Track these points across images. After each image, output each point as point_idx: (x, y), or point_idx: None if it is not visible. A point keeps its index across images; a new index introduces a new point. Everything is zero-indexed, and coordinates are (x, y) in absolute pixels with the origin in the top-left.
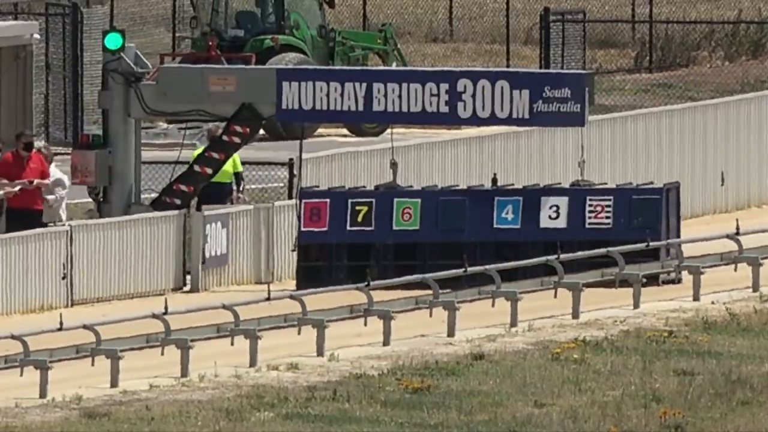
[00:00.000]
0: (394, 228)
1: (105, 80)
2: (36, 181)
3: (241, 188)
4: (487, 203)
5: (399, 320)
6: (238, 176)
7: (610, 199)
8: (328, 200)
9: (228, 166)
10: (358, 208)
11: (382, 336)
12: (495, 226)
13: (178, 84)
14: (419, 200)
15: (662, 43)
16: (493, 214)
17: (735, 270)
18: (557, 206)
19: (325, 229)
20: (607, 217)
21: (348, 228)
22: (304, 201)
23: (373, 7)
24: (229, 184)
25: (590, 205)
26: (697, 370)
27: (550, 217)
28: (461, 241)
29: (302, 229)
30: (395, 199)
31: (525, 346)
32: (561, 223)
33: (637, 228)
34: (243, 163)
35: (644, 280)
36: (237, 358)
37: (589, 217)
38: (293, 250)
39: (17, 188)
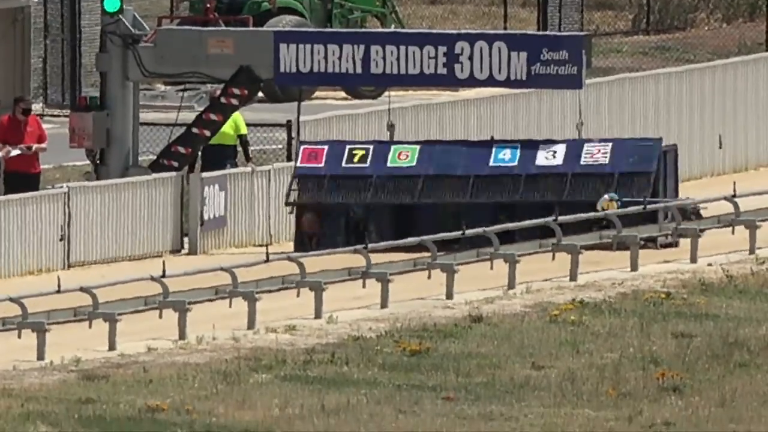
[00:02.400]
0: (389, 165)
1: (103, 43)
2: (34, 146)
3: (249, 154)
4: (485, 148)
5: (397, 282)
6: (242, 139)
7: (608, 145)
8: (326, 147)
9: (230, 129)
10: (355, 151)
11: (380, 298)
12: (491, 164)
13: (176, 46)
14: (417, 146)
15: (660, 5)
16: (491, 155)
17: (732, 233)
18: (555, 151)
19: (321, 165)
20: (604, 156)
21: (344, 164)
22: (302, 146)
23: None
24: (231, 147)
25: (587, 151)
26: (694, 333)
27: (546, 158)
28: (457, 175)
29: (298, 165)
30: (393, 146)
31: (523, 308)
32: (558, 161)
33: (633, 163)
34: None
35: (642, 242)
36: (235, 320)
37: (585, 158)
38: (290, 212)
39: (15, 153)
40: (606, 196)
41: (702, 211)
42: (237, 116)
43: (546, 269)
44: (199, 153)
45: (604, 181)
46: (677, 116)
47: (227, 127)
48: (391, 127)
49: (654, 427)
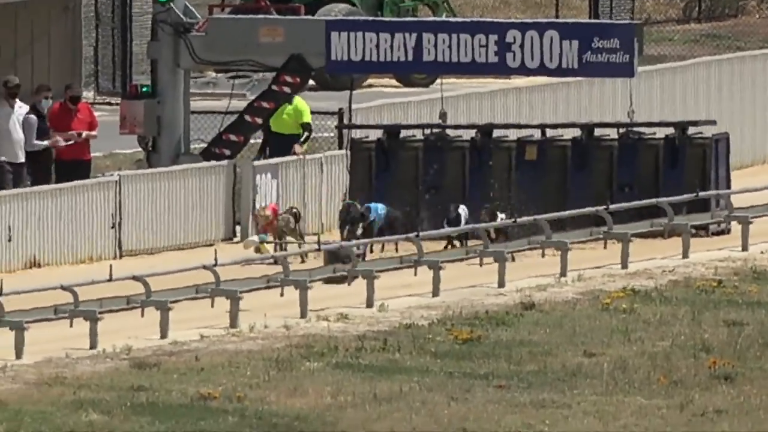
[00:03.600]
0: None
1: (154, 31)
2: (85, 133)
3: (302, 140)
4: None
5: (449, 270)
6: (305, 127)
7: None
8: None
9: (289, 117)
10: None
11: (432, 286)
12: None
13: (228, 35)
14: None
15: None
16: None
17: None
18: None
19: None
20: None
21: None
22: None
23: None
24: (291, 136)
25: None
26: (746, 320)
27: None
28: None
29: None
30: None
31: (574, 295)
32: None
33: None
34: None
35: (693, 230)
36: (287, 309)
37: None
38: (343, 200)
39: (69, 141)
40: (256, 238)
41: (754, 199)
42: (299, 104)
43: (597, 257)
44: (267, 141)
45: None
46: (728, 104)
47: (286, 116)
48: (443, 115)
49: (705, 415)
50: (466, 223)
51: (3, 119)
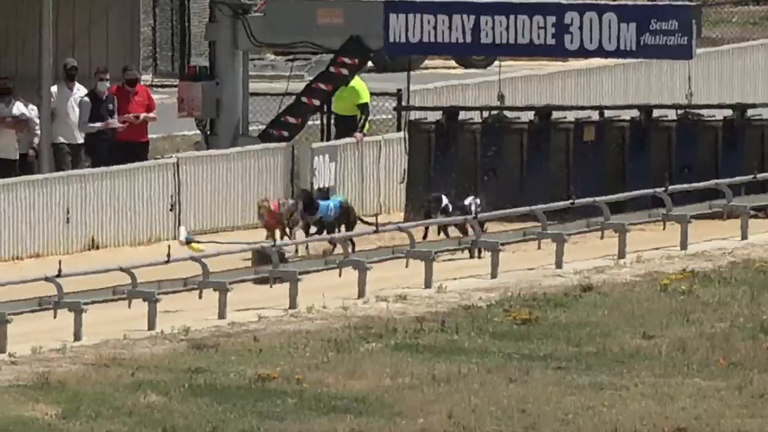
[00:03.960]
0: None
1: (212, 12)
2: (142, 116)
3: (361, 123)
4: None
5: (507, 252)
6: (362, 108)
7: None
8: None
9: (348, 99)
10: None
11: (490, 268)
12: None
13: (286, 16)
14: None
15: None
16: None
17: None
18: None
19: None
20: None
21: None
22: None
23: None
24: (351, 117)
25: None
26: None
27: None
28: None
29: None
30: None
31: (633, 277)
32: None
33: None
34: None
35: (752, 212)
36: (345, 290)
37: None
38: (402, 182)
39: (118, 124)
40: (183, 237)
41: None
42: (356, 84)
43: (656, 238)
44: (332, 123)
45: None
46: None
47: (344, 97)
48: (501, 97)
49: (765, 397)
50: (453, 210)
51: (61, 101)
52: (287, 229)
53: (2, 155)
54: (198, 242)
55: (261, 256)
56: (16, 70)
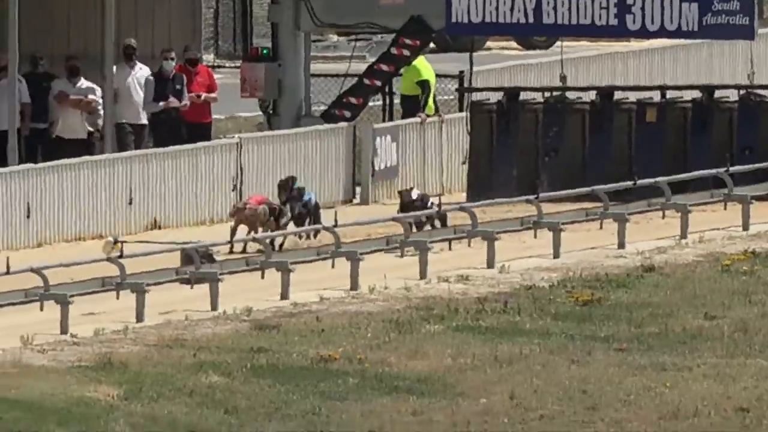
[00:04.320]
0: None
1: None
2: (204, 95)
3: (423, 102)
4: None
5: (569, 232)
6: (422, 85)
7: None
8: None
9: (408, 80)
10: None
11: (552, 248)
12: None
13: None
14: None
15: None
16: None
17: None
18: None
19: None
20: None
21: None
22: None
23: None
24: (413, 97)
25: None
26: None
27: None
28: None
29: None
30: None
31: (695, 258)
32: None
33: None
34: None
35: None
36: (407, 270)
37: None
38: (463, 163)
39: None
40: (111, 238)
41: None
42: (417, 62)
43: (718, 219)
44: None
45: None
46: None
47: (407, 76)
48: (563, 78)
49: None
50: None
51: (122, 81)
52: (255, 230)
53: (71, 135)
54: (120, 241)
55: (187, 258)
56: (83, 51)
